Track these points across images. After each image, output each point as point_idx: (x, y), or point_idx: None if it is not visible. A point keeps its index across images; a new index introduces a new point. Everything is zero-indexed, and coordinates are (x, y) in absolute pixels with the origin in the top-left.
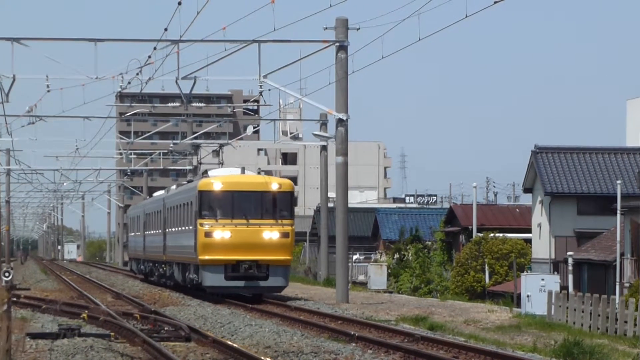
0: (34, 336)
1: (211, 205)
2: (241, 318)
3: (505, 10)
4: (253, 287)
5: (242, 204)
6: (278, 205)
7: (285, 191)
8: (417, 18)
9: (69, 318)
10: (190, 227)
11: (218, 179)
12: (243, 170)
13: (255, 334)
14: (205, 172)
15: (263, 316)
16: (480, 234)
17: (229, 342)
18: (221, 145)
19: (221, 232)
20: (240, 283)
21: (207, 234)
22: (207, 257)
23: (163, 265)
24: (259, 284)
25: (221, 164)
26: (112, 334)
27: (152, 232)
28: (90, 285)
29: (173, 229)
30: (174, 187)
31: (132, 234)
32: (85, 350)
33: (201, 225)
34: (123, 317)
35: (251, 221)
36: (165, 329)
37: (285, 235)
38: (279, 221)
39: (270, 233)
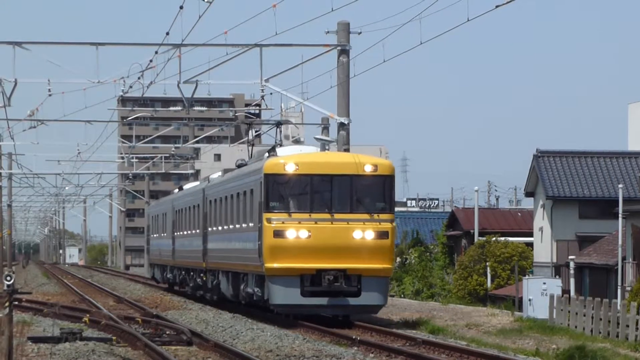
0: (36, 340)
1: (282, 194)
2: (243, 322)
3: (507, 14)
4: (340, 307)
5: (324, 193)
6: (374, 195)
7: (384, 175)
8: (419, 22)
9: (71, 322)
10: (251, 225)
11: (291, 159)
12: (324, 147)
13: (256, 338)
14: (273, 148)
15: (264, 320)
16: (483, 237)
17: (231, 346)
18: (257, 135)
19: (296, 231)
20: (323, 300)
21: (277, 234)
22: (276, 265)
23: (202, 275)
24: (348, 301)
25: (278, 143)
26: (114, 337)
27: (185, 232)
28: (91, 289)
29: (219, 228)
30: (216, 175)
31: (155, 235)
32: (86, 354)
33: (268, 221)
34: (125, 321)
35: (337, 216)
36: (167, 332)
37: (383, 235)
38: (375, 216)
39: (363, 232)
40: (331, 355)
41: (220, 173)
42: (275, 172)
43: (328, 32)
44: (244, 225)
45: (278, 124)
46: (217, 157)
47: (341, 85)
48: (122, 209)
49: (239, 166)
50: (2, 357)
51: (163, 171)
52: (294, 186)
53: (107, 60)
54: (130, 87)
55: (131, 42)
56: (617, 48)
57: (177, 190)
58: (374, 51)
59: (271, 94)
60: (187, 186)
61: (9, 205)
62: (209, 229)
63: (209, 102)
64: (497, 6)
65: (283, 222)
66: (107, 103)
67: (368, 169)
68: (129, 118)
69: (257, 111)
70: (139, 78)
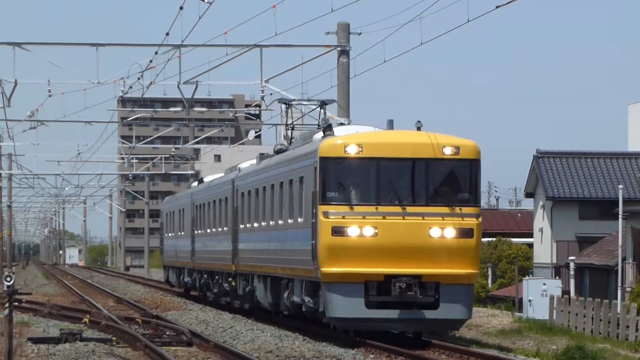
0: (36, 341)
1: (342, 182)
2: (243, 322)
3: (507, 14)
4: (413, 321)
5: (394, 181)
6: (455, 183)
7: (468, 159)
8: (419, 22)
9: (71, 322)
10: (300, 220)
11: (353, 139)
12: (391, 125)
13: (257, 339)
14: (329, 127)
15: (264, 321)
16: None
17: (231, 347)
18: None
19: (360, 228)
20: (392, 313)
21: (337, 231)
22: (335, 270)
23: (230, 279)
24: (424, 315)
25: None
26: (114, 338)
27: (208, 230)
28: (91, 290)
29: (255, 225)
30: (247, 163)
31: (169, 234)
32: (86, 354)
33: (325, 215)
34: (125, 322)
35: (410, 209)
36: (167, 333)
37: (466, 233)
38: (457, 209)
39: (443, 230)
40: (331, 355)
41: (254, 161)
42: (333, 155)
43: (328, 32)
44: (289, 221)
45: (322, 105)
46: (217, 157)
47: (341, 86)
48: (122, 209)
49: (277, 152)
50: (2, 357)
51: (163, 172)
52: (357, 172)
53: (107, 61)
54: (130, 87)
55: (131, 43)
56: (617, 48)
57: (195, 183)
58: (374, 51)
59: (271, 94)
60: (209, 178)
61: (9, 206)
62: (241, 226)
63: (209, 103)
64: (497, 6)
65: (343, 217)
66: (107, 104)
67: (448, 152)
68: (129, 119)
69: (257, 112)
70: (138, 79)
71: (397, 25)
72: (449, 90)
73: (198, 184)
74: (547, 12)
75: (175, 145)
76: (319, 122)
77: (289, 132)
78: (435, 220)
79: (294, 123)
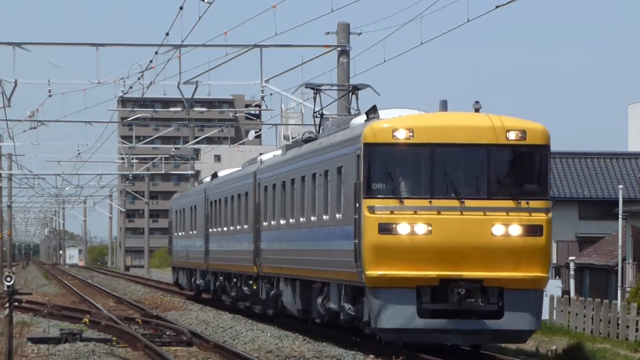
0: (36, 341)
1: (390, 172)
2: (243, 323)
3: (507, 14)
4: (473, 333)
5: (450, 170)
6: (521, 172)
7: (535, 145)
8: (419, 22)
9: (71, 322)
10: (339, 217)
11: (403, 122)
12: (445, 106)
13: (257, 339)
14: (373, 109)
15: (264, 321)
16: None
17: (231, 347)
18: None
19: (411, 225)
20: (449, 323)
21: (385, 228)
22: (382, 273)
23: (251, 282)
24: (486, 325)
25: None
26: (114, 338)
27: (225, 229)
28: (91, 290)
29: (282, 222)
30: (269, 155)
31: (180, 233)
32: (86, 354)
33: (371, 210)
34: (125, 322)
35: (468, 203)
36: (167, 333)
37: (534, 230)
38: (524, 203)
39: (507, 227)
40: (331, 356)
41: (279, 151)
42: (380, 140)
43: (328, 32)
44: (325, 217)
45: (354, 89)
46: (217, 157)
47: (341, 86)
48: (122, 209)
49: (306, 141)
50: (3, 357)
51: (163, 172)
52: (408, 161)
53: (107, 61)
54: (130, 87)
55: (131, 43)
56: (617, 48)
57: (207, 179)
58: (374, 51)
59: (271, 94)
60: (224, 172)
61: (9, 206)
62: (264, 223)
63: (209, 103)
64: (497, 6)
65: (392, 212)
66: (107, 104)
67: (512, 136)
68: (129, 119)
69: (257, 112)
70: (138, 79)
71: (397, 25)
72: (449, 90)
73: (212, 179)
74: (547, 12)
75: (175, 145)
76: (349, 109)
77: (317, 119)
78: (498, 216)
79: (322, 110)
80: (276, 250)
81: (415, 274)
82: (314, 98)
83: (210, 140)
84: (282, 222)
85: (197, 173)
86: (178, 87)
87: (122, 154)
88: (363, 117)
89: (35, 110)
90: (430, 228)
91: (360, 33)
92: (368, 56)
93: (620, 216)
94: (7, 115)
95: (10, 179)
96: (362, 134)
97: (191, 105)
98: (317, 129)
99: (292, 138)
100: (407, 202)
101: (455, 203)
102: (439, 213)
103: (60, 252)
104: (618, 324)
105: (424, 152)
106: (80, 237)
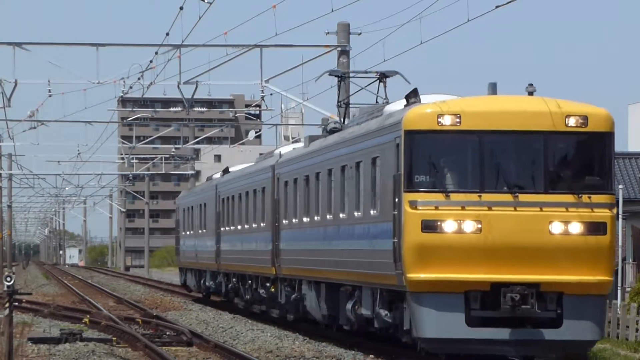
0: (36, 341)
1: (434, 162)
2: (243, 322)
3: (507, 14)
4: (529, 343)
5: (502, 161)
6: (582, 163)
7: (597, 132)
8: (419, 22)
9: (71, 323)
10: (373, 213)
11: (448, 107)
12: (494, 89)
13: (257, 339)
14: (414, 92)
15: (264, 321)
16: None
17: (231, 347)
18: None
19: (458, 222)
20: (502, 333)
21: (429, 226)
22: (425, 276)
23: (268, 285)
24: (542, 335)
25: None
26: (114, 338)
27: (238, 227)
28: (92, 290)
29: (304, 220)
30: (289, 147)
31: (188, 232)
32: (86, 354)
33: (413, 205)
34: (125, 322)
35: (523, 198)
36: (167, 333)
37: (597, 228)
38: (585, 198)
39: (566, 224)
40: (331, 356)
41: (299, 144)
42: (424, 127)
43: (328, 33)
44: (357, 214)
45: (382, 77)
46: (217, 157)
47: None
48: (122, 209)
49: (331, 131)
50: (3, 357)
51: (163, 172)
52: (455, 150)
53: (107, 61)
54: (130, 87)
55: (131, 43)
56: (617, 48)
57: (217, 175)
58: (374, 51)
59: (271, 94)
60: (237, 168)
61: (9, 206)
62: (284, 221)
63: (209, 103)
64: (497, 6)
65: (437, 208)
66: (107, 104)
67: (572, 122)
68: (129, 119)
69: (257, 112)
70: (139, 79)
71: (396, 25)
72: (449, 89)
73: (223, 175)
74: (547, 12)
75: (175, 145)
76: (376, 98)
77: (341, 109)
78: (557, 212)
79: (348, 99)
80: (298, 251)
81: (464, 277)
82: (338, 86)
83: (210, 140)
84: (305, 219)
85: (197, 173)
86: (178, 87)
87: (122, 154)
88: (401, 103)
89: (35, 110)
90: (479, 226)
91: (360, 33)
92: (368, 56)
93: (620, 216)
94: (7, 115)
95: (10, 179)
96: (403, 120)
97: (191, 105)
98: (342, 119)
99: (292, 138)
100: (454, 197)
101: (508, 197)
102: (489, 209)
103: (60, 252)
104: (618, 324)
105: (472, 141)
106: (81, 237)
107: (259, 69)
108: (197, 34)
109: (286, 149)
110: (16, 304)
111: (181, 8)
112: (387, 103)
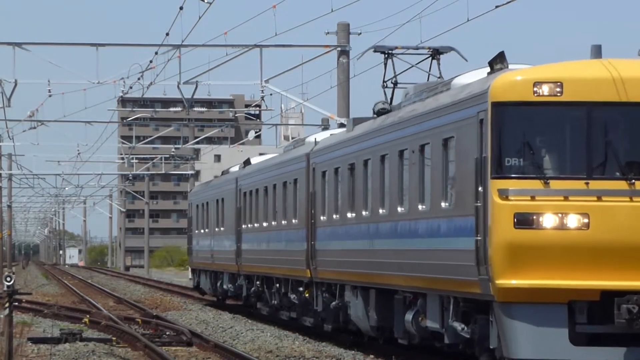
0: (36, 341)
1: (529, 142)
2: (243, 322)
3: (507, 14)
4: None
5: (615, 140)
6: None
7: None
8: (419, 22)
9: (71, 322)
10: (444, 205)
11: (545, 73)
12: (599, 52)
13: (257, 339)
14: (500, 55)
15: (264, 321)
16: None
17: (231, 347)
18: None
19: (559, 216)
20: (617, 353)
21: (523, 220)
22: (519, 283)
23: (301, 289)
24: None
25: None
26: (114, 338)
27: (264, 224)
28: (91, 290)
29: (349, 215)
30: (325, 133)
31: (202, 231)
32: (86, 354)
33: (502, 195)
34: (125, 322)
35: None
36: (167, 333)
37: None
38: None
39: None
40: (331, 356)
41: (336, 130)
42: (516, 98)
43: (328, 33)
44: (421, 207)
45: (435, 53)
46: (217, 157)
47: (341, 86)
48: (122, 209)
49: (379, 113)
50: (3, 357)
51: (163, 172)
52: (555, 127)
53: (107, 61)
54: (130, 87)
55: (131, 43)
56: (617, 48)
57: (236, 167)
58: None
59: (271, 94)
60: (260, 159)
61: (9, 206)
62: (321, 217)
63: (209, 103)
64: (497, 6)
65: (533, 198)
66: (107, 104)
67: None
68: (129, 119)
69: (257, 112)
70: (138, 79)
71: (396, 25)
72: None
73: (244, 166)
74: (546, 12)
75: (175, 145)
76: (429, 74)
77: (388, 90)
78: None
79: (397, 77)
80: (340, 251)
81: (568, 284)
82: (384, 64)
83: (210, 140)
84: (349, 215)
85: (197, 173)
86: (178, 87)
87: (122, 154)
88: (470, 75)
89: (35, 110)
90: (587, 220)
91: (360, 33)
92: (368, 56)
93: None
94: (7, 115)
95: (10, 179)
96: (490, 89)
97: (191, 105)
98: (390, 100)
99: (292, 138)
100: (554, 184)
101: (622, 185)
102: (599, 199)
103: (60, 252)
104: None
105: (577, 115)
106: (80, 237)
107: (259, 69)
108: (197, 34)
109: (322, 136)
110: (16, 304)
111: (181, 8)
112: (443, 81)
